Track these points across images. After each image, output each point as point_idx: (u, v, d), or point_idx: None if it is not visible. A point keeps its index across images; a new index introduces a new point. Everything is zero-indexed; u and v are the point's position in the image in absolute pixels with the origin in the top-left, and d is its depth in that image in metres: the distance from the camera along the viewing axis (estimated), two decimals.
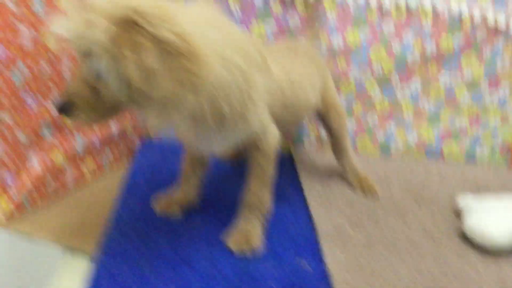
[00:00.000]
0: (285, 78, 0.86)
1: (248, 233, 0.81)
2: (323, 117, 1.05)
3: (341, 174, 1.10)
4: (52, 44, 0.65)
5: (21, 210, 0.86)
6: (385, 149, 1.30)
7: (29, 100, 0.85)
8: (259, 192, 0.83)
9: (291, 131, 1.18)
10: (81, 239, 0.81)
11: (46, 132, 0.91)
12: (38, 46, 0.84)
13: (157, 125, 0.64)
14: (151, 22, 0.55)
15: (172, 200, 0.89)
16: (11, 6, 0.77)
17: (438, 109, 1.28)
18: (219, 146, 0.78)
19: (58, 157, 0.93)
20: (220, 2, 1.12)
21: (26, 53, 0.82)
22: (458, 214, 0.97)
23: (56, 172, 0.93)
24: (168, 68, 0.56)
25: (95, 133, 1.03)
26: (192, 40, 0.57)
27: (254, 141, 0.79)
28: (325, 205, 0.96)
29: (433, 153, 1.31)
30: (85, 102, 0.62)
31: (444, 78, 1.25)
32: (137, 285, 0.68)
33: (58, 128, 0.93)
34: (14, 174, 0.85)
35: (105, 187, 1.00)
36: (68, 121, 0.66)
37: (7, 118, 0.81)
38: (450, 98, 1.27)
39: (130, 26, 0.54)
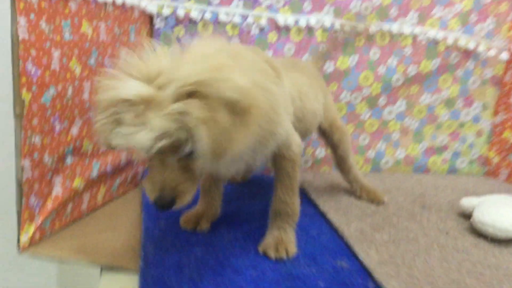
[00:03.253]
0: (295, 88, 0.90)
1: (284, 240, 0.83)
2: (326, 133, 1.09)
3: (347, 189, 1.16)
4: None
5: (42, 234, 0.85)
6: (376, 166, 1.38)
7: (57, 126, 0.86)
8: (289, 200, 0.85)
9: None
10: (116, 257, 0.81)
11: (68, 159, 0.91)
12: (66, 73, 0.86)
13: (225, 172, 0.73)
14: (215, 87, 0.57)
15: (198, 215, 0.91)
16: (46, 30, 0.79)
17: (422, 127, 1.39)
18: (251, 162, 0.78)
19: (78, 183, 0.93)
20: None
21: (57, 77, 0.83)
22: (464, 215, 1.04)
23: (74, 197, 0.93)
24: (240, 124, 0.59)
25: (109, 161, 1.04)
26: (254, 95, 0.61)
27: (281, 150, 0.82)
28: (343, 215, 1.01)
29: (419, 167, 1.41)
30: (185, 186, 0.64)
31: (425, 98, 1.36)
32: (188, 286, 0.69)
33: (78, 154, 0.94)
34: (41, 200, 0.84)
35: (116, 210, 1.03)
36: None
37: (37, 140, 0.81)
38: (432, 116, 1.38)
39: (199, 97, 0.57)
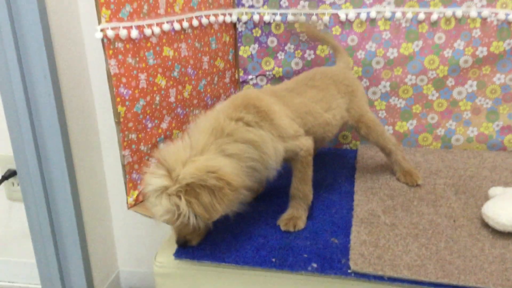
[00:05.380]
0: (294, 112, 1.10)
1: (294, 217, 1.09)
2: (354, 128, 1.27)
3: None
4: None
5: (144, 197, 1.26)
6: (446, 143, 1.45)
7: (149, 125, 1.24)
8: (300, 187, 1.10)
9: (325, 142, 1.31)
10: None
11: (161, 146, 1.29)
12: (153, 87, 1.22)
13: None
14: (203, 179, 0.89)
15: None
16: (133, 63, 1.16)
17: (496, 106, 1.39)
18: (265, 175, 1.06)
19: None
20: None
21: (145, 92, 1.20)
22: None
23: None
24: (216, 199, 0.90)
25: None
26: (225, 176, 0.90)
27: (290, 155, 1.07)
28: (368, 195, 1.19)
29: (494, 145, 1.43)
30: (191, 235, 1.01)
31: (499, 78, 1.35)
32: (210, 249, 1.02)
33: (169, 141, 1.31)
34: (141, 175, 1.25)
35: None
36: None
37: (133, 136, 1.20)
38: (507, 95, 1.37)
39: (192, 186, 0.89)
